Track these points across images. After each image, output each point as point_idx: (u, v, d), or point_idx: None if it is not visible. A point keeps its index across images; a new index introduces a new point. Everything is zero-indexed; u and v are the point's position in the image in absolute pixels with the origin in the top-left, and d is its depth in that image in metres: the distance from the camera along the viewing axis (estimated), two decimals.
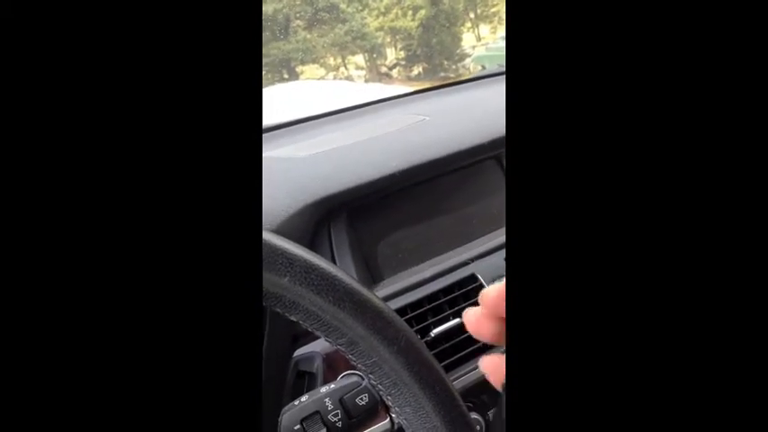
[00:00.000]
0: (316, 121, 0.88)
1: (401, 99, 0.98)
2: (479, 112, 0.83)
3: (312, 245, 0.61)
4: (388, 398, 0.34)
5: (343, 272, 0.33)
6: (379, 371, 0.34)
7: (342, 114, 0.90)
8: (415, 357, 0.34)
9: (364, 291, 0.33)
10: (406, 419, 0.34)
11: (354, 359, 0.34)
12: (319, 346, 0.57)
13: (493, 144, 0.71)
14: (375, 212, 0.67)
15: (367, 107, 0.93)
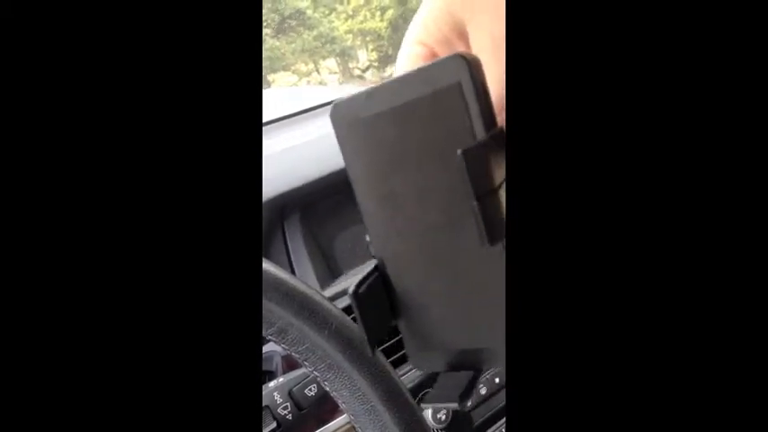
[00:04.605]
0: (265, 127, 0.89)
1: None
2: None
3: (266, 244, 0.61)
4: (326, 383, 0.34)
5: (270, 262, 0.34)
6: (313, 356, 0.34)
7: (292, 119, 0.91)
8: (347, 340, 0.34)
9: (291, 279, 0.34)
10: (344, 403, 0.35)
11: (287, 347, 0.34)
12: (278, 345, 0.57)
13: None
14: (330, 208, 0.67)
15: (316, 110, 0.93)
